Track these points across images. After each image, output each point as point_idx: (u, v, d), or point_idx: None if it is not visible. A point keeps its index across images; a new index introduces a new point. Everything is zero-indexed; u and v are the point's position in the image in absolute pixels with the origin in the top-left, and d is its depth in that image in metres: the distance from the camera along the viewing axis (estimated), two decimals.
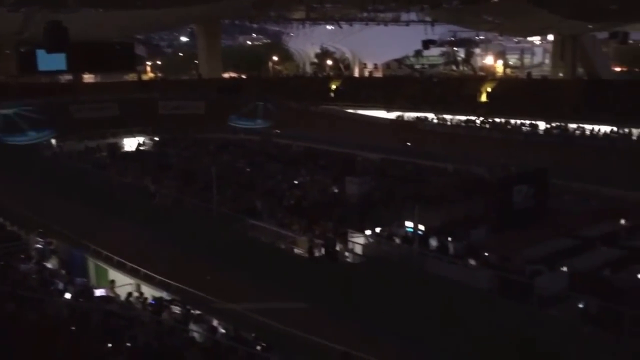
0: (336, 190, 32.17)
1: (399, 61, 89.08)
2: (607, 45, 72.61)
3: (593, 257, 22.73)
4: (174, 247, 22.38)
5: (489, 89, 58.17)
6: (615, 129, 45.70)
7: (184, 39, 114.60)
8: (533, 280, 19.73)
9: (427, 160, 38.74)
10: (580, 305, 18.49)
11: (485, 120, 52.30)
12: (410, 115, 57.27)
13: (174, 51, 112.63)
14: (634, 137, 44.14)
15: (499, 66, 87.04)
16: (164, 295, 18.48)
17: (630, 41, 64.27)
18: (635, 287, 20.00)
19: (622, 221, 26.94)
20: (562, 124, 48.37)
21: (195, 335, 14.70)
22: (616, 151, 41.18)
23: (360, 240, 23.84)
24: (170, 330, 14.43)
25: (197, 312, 16.75)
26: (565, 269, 21.16)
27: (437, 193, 30.66)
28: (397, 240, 23.60)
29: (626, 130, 45.09)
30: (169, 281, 18.77)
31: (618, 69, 79.78)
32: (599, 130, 46.50)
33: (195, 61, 78.50)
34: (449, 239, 23.35)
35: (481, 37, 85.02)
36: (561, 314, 18.38)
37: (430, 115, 56.00)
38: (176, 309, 17.03)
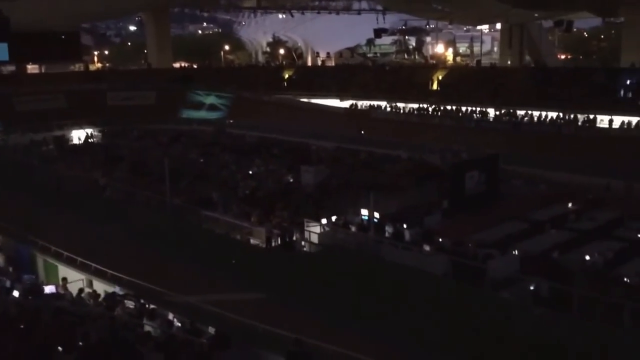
0: (291, 180, 32.11)
1: (352, 50, 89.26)
2: (552, 33, 74.29)
3: (543, 240, 23.34)
4: (126, 240, 21.97)
5: (440, 77, 58.84)
6: (561, 115, 46.84)
7: (132, 28, 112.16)
8: (486, 264, 20.11)
9: (381, 148, 38.99)
10: (531, 288, 18.93)
11: (437, 108, 52.92)
12: (363, 103, 57.51)
13: (122, 41, 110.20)
14: (579, 123, 45.33)
15: (450, 54, 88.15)
16: (117, 290, 18.12)
17: (575, 29, 66.02)
18: (584, 269, 20.62)
19: (570, 204, 27.79)
20: (511, 110, 49.31)
21: (150, 329, 14.45)
22: (563, 137, 42.27)
23: (317, 229, 23.84)
24: (124, 325, 14.14)
25: (152, 306, 16.47)
26: (516, 252, 21.66)
27: (391, 180, 30.87)
28: (353, 228, 23.69)
29: (572, 116, 46.27)
30: (121, 275, 18.41)
31: (563, 57, 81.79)
32: (546, 116, 47.59)
33: (145, 51, 77.05)
34: (404, 225, 23.57)
35: (432, 26, 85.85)
36: (513, 296, 18.79)
37: (383, 104, 56.35)
38: (130, 304, 16.71)
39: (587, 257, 21.34)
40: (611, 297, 17.51)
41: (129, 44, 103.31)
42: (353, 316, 15.83)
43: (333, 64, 79.54)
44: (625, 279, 19.51)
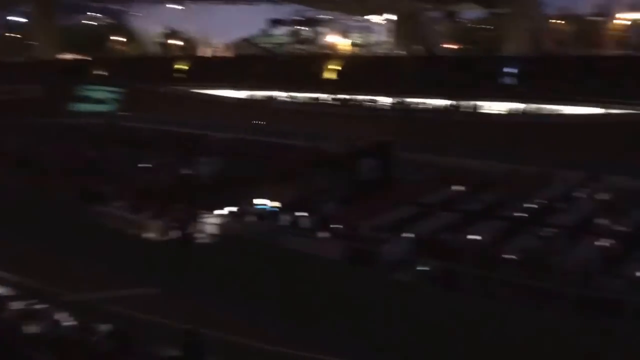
0: (187, 172, 31.65)
1: (248, 40, 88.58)
2: (441, 23, 76.97)
3: (434, 223, 24.39)
4: (13, 239, 20.97)
5: (335, 67, 59.57)
6: (451, 102, 48.75)
7: (17, 19, 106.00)
8: (380, 247, 20.84)
9: (278, 138, 39.17)
10: (424, 269, 19.80)
11: (332, 97, 53.64)
12: (260, 94, 57.38)
13: (6, 32, 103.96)
14: (467, 110, 47.37)
15: (344, 44, 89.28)
16: (3, 291, 17.28)
17: (462, 20, 68.82)
18: (472, 247, 21.78)
19: (458, 187, 29.25)
20: (404, 98, 50.73)
21: (39, 330, 13.93)
22: (452, 123, 44.02)
23: (214, 220, 23.75)
24: (11, 327, 13.55)
25: (42, 306, 15.85)
26: (409, 235, 22.52)
27: (288, 169, 31.13)
28: (251, 218, 23.80)
29: (461, 103, 48.27)
30: (7, 275, 17.58)
31: (451, 46, 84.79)
32: (437, 104, 49.36)
33: (31, 42, 73.19)
34: (301, 213, 23.94)
35: (326, 16, 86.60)
36: (407, 277, 19.58)
37: (280, 94, 56.49)
38: (17, 305, 15.99)
39: (475, 237, 22.56)
40: (498, 274, 18.67)
41: (14, 35, 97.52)
42: (252, 305, 15.97)
43: (229, 55, 78.76)
44: (511, 257, 20.77)
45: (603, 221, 23.98)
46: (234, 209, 24.74)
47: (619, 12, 55.49)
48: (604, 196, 27.71)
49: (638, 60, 46.19)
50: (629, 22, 55.12)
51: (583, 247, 21.81)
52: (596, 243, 21.91)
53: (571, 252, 21.17)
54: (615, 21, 55.95)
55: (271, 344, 13.55)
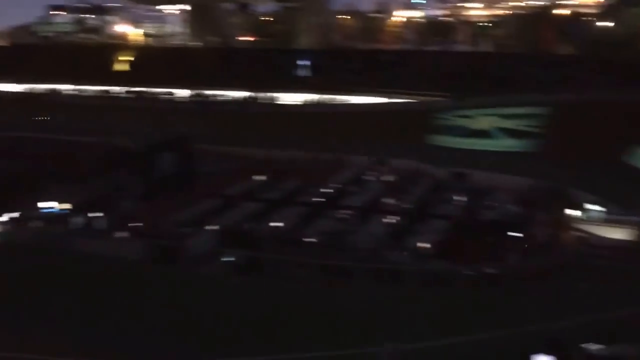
0: None
1: (26, 28, 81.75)
2: (236, 15, 77.42)
3: (237, 213, 24.63)
4: None
5: (128, 58, 57.21)
6: (246, 93, 49.28)
7: None
8: (184, 242, 20.44)
9: (67, 135, 36.63)
10: (229, 259, 19.81)
11: (127, 90, 51.53)
12: (42, 87, 53.22)
13: None
14: (262, 101, 48.30)
15: (136, 34, 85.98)
16: None
17: (255, 12, 69.91)
18: (275, 234, 22.31)
19: (259, 177, 29.80)
20: (200, 90, 50.28)
21: None
22: (249, 114, 44.57)
23: None
24: None
25: None
26: (213, 227, 22.46)
27: (80, 168, 29.29)
28: (36, 224, 21.97)
29: (259, 94, 48.99)
30: None
31: (247, 38, 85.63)
32: (235, 95, 49.60)
33: None
34: (96, 214, 22.66)
35: (114, 4, 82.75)
36: (213, 269, 19.42)
37: (67, 87, 52.88)
38: None
39: (277, 224, 23.16)
40: (300, 257, 19.29)
41: None
42: (44, 319, 14.66)
43: (4, 44, 72.16)
44: (311, 239, 21.73)
45: (389, 200, 26.39)
46: (15, 214, 22.61)
47: (395, 9, 60.34)
48: (389, 178, 30.38)
49: (413, 54, 50.50)
50: (405, 19, 60.12)
51: (373, 224, 23.57)
52: (384, 220, 23.92)
53: (363, 230, 22.75)
54: (393, 18, 60.70)
55: (67, 357, 12.56)
